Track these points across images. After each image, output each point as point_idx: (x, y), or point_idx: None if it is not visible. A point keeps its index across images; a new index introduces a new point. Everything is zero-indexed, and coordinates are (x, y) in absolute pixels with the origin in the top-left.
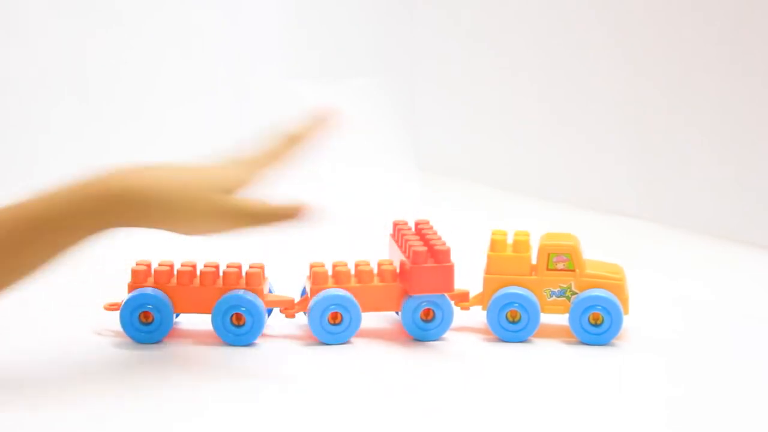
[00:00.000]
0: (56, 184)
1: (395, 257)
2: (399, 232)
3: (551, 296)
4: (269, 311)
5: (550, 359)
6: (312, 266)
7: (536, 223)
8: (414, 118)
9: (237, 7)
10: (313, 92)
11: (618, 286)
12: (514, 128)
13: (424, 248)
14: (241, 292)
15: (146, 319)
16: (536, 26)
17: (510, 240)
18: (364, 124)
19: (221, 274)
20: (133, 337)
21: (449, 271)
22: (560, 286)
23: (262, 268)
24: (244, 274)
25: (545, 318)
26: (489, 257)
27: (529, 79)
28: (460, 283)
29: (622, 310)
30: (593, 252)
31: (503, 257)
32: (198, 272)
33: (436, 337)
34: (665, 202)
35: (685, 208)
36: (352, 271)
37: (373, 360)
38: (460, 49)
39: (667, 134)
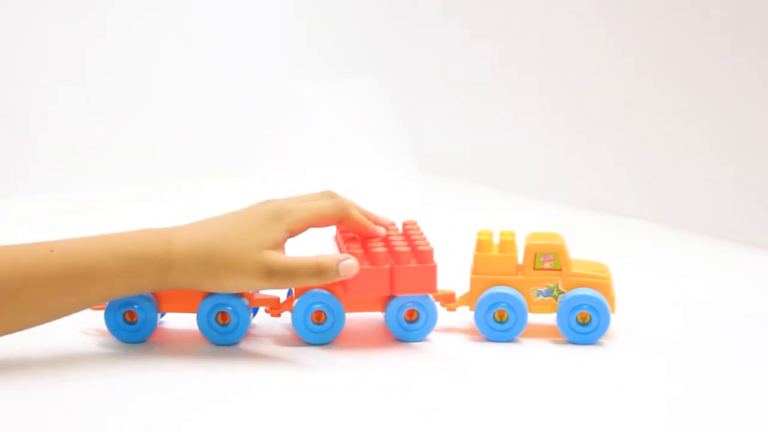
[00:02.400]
0: (99, 237)
1: None
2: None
3: (538, 296)
4: (254, 310)
5: (538, 359)
6: None
7: (536, 223)
8: (414, 118)
9: (237, 7)
10: (313, 92)
11: (604, 285)
12: (514, 128)
13: (408, 248)
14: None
15: (131, 318)
16: (536, 26)
17: (496, 240)
18: (364, 124)
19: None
20: (117, 336)
21: (432, 271)
22: (547, 286)
23: None
24: None
25: (532, 317)
26: (475, 257)
27: (529, 79)
28: (454, 284)
29: (609, 309)
30: (593, 252)
31: (490, 257)
32: None
33: (420, 338)
34: (665, 202)
35: (685, 208)
36: None
37: (357, 360)
38: (460, 49)
39: (667, 134)
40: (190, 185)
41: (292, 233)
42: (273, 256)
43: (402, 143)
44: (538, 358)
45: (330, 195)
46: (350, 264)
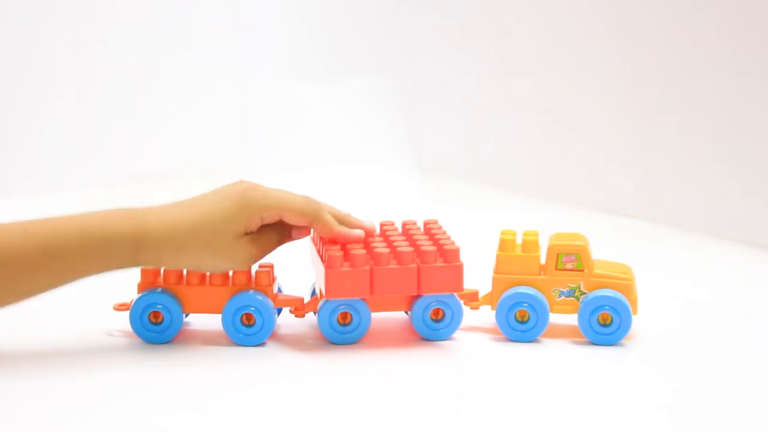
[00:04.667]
0: (71, 216)
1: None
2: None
3: (560, 296)
4: (278, 311)
5: (559, 359)
6: None
7: (536, 223)
8: (414, 118)
9: (238, 7)
10: (313, 92)
11: (627, 287)
12: (514, 128)
13: (434, 248)
14: (251, 292)
15: (156, 319)
16: (536, 26)
17: (519, 240)
18: (364, 124)
19: (230, 273)
20: (142, 337)
21: (459, 270)
22: (569, 286)
23: (271, 267)
24: (253, 273)
25: (554, 318)
26: (498, 257)
27: (529, 79)
28: (464, 283)
29: (630, 310)
30: (595, 252)
31: (512, 257)
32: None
33: (446, 337)
34: (665, 202)
35: (685, 208)
36: None
37: (383, 360)
38: (460, 50)
39: (667, 134)
40: (190, 185)
41: (263, 221)
42: (246, 247)
43: (402, 143)
44: (558, 359)
45: (306, 198)
46: None
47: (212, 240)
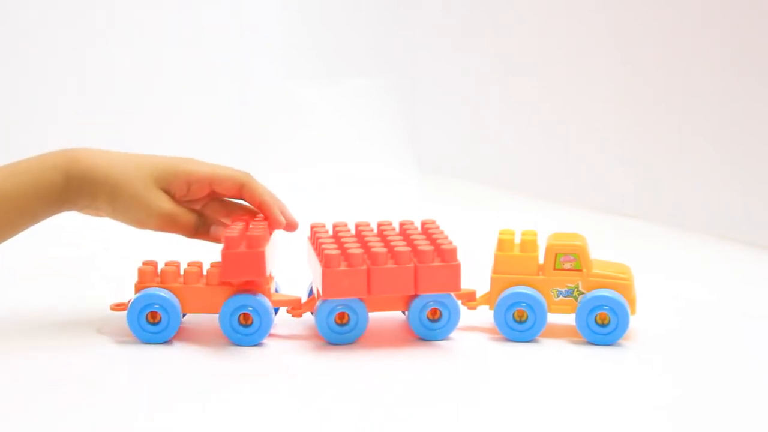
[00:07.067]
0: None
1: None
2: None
3: (558, 296)
4: (276, 311)
5: (557, 359)
6: None
7: (536, 223)
8: (414, 118)
9: (238, 7)
10: (314, 92)
11: (625, 286)
12: (514, 128)
13: (431, 247)
14: (248, 292)
15: (153, 319)
16: (536, 26)
17: (517, 240)
18: (365, 124)
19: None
20: (140, 337)
21: (456, 270)
22: (567, 286)
23: None
24: None
25: (552, 318)
26: (496, 257)
27: (529, 80)
28: (462, 283)
29: (628, 310)
30: (594, 252)
31: (511, 257)
32: (205, 272)
33: (443, 337)
34: (665, 202)
35: (685, 208)
36: None
37: (381, 360)
38: (460, 50)
39: (667, 134)
40: None
41: (190, 188)
42: (162, 198)
43: (402, 143)
44: (556, 359)
45: (238, 170)
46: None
47: (142, 183)
